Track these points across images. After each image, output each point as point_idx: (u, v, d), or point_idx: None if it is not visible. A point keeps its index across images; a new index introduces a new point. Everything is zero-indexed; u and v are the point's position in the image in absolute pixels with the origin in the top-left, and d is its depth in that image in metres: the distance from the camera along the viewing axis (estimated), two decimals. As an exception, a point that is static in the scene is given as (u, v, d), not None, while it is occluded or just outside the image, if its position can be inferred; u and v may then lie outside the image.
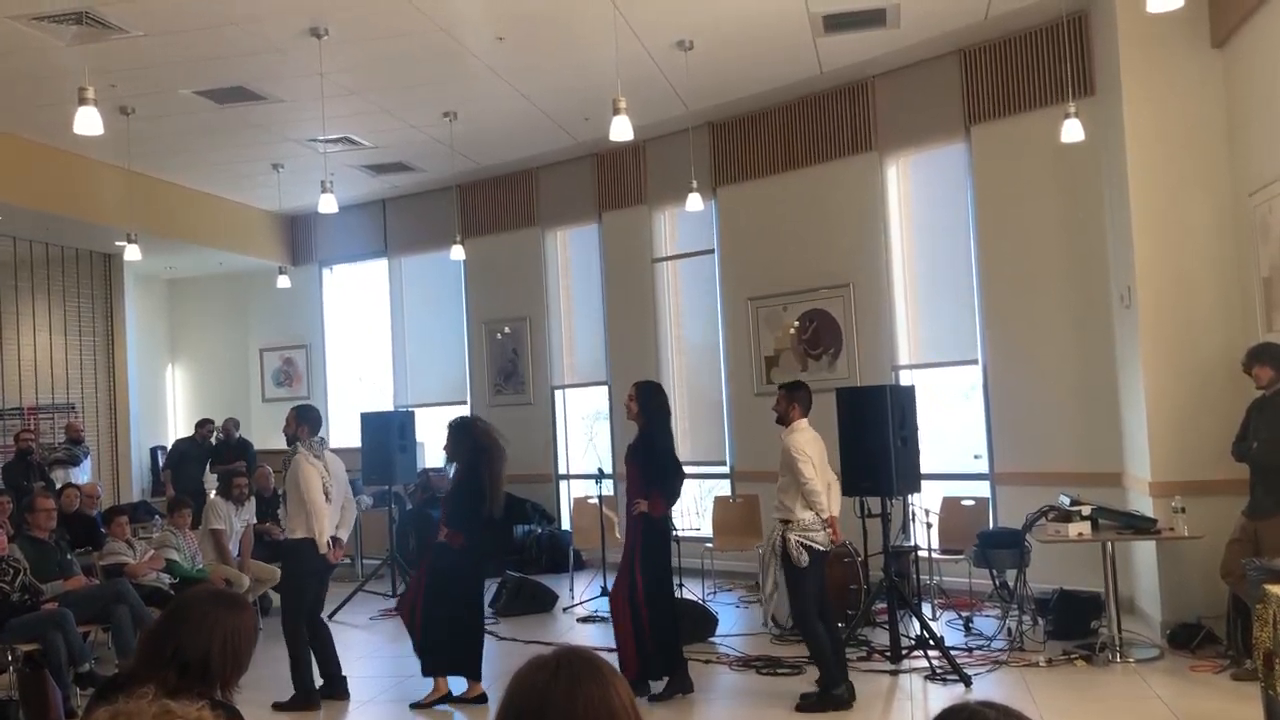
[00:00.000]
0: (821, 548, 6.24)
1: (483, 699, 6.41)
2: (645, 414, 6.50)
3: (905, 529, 8.02)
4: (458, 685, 6.52)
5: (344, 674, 6.71)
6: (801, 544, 6.14)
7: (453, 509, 6.51)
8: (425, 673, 6.51)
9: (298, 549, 6.63)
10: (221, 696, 2.54)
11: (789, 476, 6.27)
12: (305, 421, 6.80)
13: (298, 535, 6.61)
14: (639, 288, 11.17)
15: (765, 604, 6.37)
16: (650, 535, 6.37)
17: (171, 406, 14.65)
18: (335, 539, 6.71)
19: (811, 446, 6.29)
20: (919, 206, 9.51)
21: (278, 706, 6.48)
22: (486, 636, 7.80)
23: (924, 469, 7.15)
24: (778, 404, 6.54)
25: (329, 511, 6.62)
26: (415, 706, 6.43)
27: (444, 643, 6.42)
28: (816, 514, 6.20)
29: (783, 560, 6.22)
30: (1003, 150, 8.68)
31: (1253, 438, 6.21)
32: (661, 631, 6.31)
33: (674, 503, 6.61)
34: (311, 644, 6.62)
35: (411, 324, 13.20)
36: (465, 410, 12.27)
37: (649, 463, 6.45)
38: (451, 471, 6.82)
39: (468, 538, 6.43)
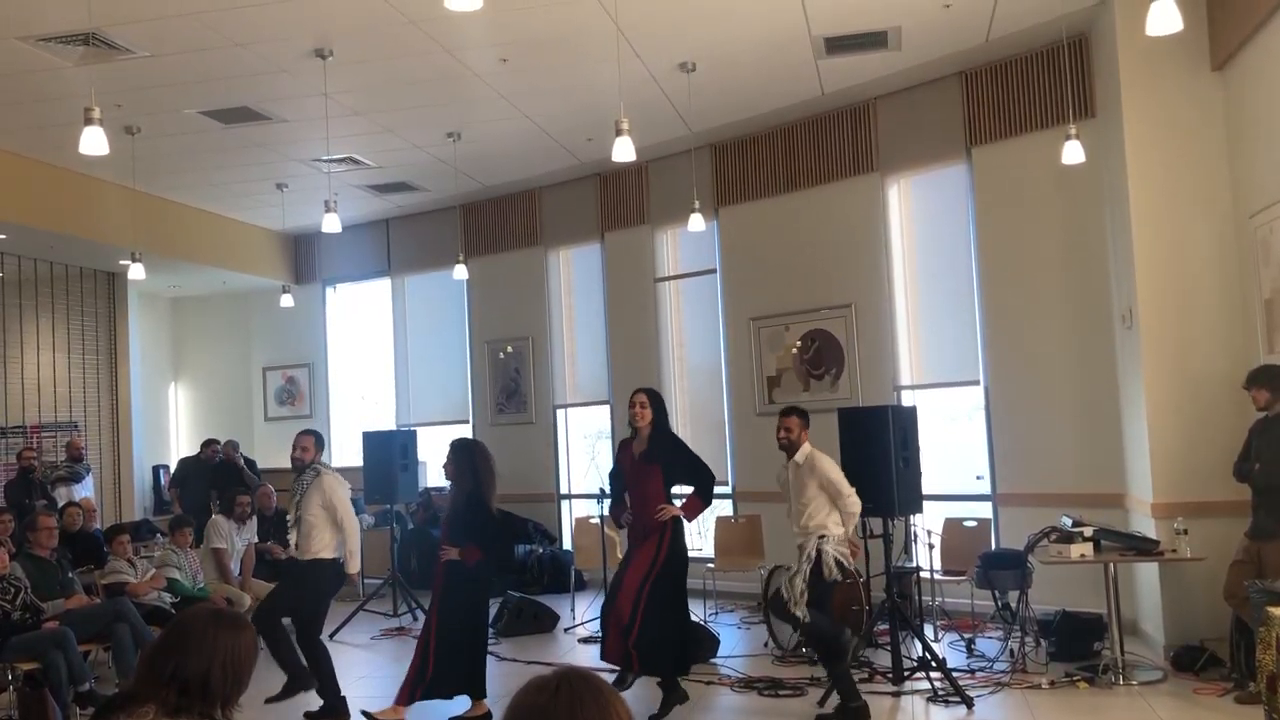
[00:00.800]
0: (850, 566, 6.32)
1: (487, 718, 6.39)
2: (662, 420, 6.56)
3: (907, 550, 8.01)
4: (460, 705, 6.49)
5: (343, 694, 6.69)
6: (838, 559, 6.20)
7: (466, 526, 6.47)
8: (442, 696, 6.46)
9: (324, 569, 6.69)
10: (221, 716, 2.54)
11: (820, 497, 6.30)
12: (321, 448, 6.99)
13: (325, 556, 6.68)
14: (641, 307, 11.19)
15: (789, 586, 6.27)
16: (679, 539, 6.38)
17: (174, 425, 14.66)
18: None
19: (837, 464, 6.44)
20: (920, 227, 9.54)
21: (311, 716, 6.57)
22: (489, 657, 7.80)
23: (926, 490, 7.15)
24: (790, 430, 6.46)
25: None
26: None
27: (457, 663, 6.40)
28: (846, 533, 6.29)
29: (813, 575, 6.19)
30: (1004, 171, 8.71)
31: (1254, 459, 6.21)
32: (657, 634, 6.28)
33: (707, 507, 6.67)
34: (310, 665, 6.65)
35: (414, 343, 13.22)
36: (467, 429, 12.31)
37: (681, 466, 6.48)
38: (449, 490, 6.82)
39: (484, 553, 6.44)
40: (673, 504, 6.42)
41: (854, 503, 6.30)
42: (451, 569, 6.44)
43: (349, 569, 6.79)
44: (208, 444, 12.09)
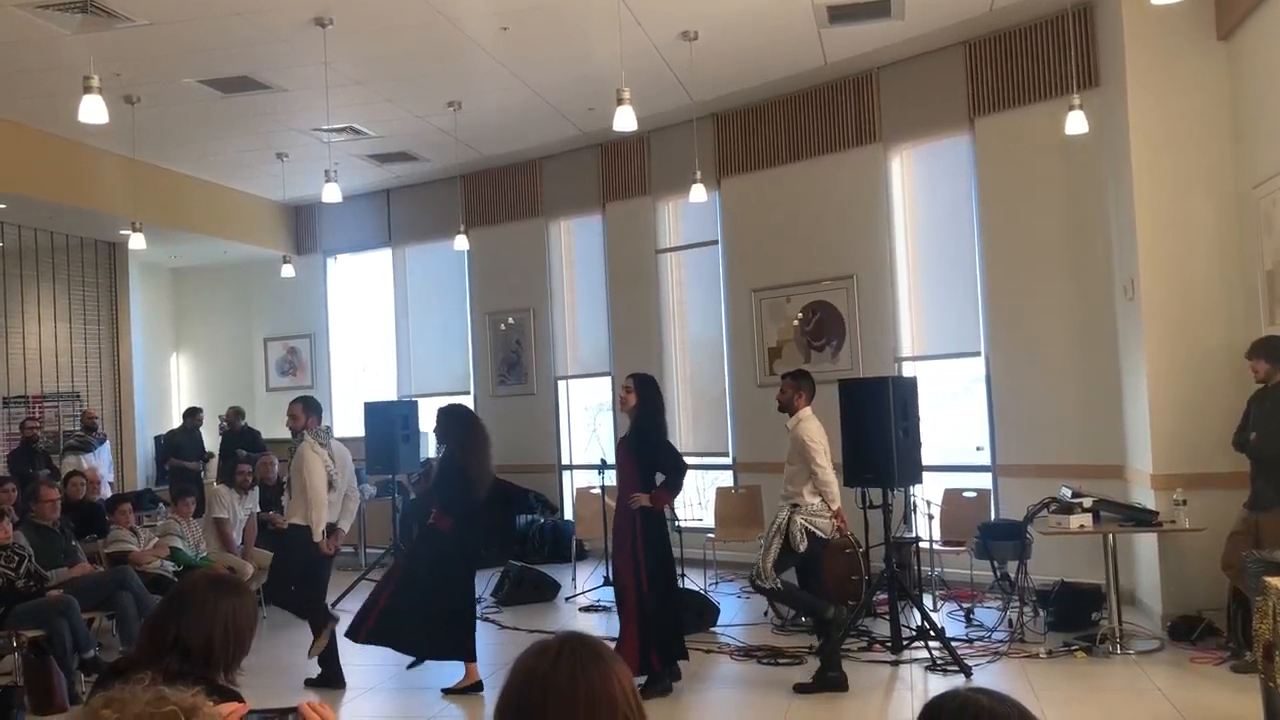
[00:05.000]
0: (823, 535, 6.32)
1: (479, 687, 6.43)
2: (644, 406, 6.44)
3: (907, 520, 8.04)
4: (454, 675, 6.54)
5: (340, 663, 6.74)
6: (805, 528, 6.20)
7: (442, 493, 6.55)
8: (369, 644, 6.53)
9: (296, 535, 6.73)
10: (224, 681, 2.56)
11: (799, 465, 6.31)
12: (313, 413, 6.91)
13: (296, 521, 6.72)
14: (642, 279, 11.18)
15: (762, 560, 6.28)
16: (650, 527, 6.35)
17: (176, 395, 14.68)
18: (333, 527, 6.80)
19: (821, 436, 6.37)
20: (923, 199, 9.50)
21: (310, 683, 6.63)
22: (489, 625, 7.85)
23: (926, 461, 7.17)
24: (783, 392, 6.56)
25: (331, 501, 6.71)
26: (447, 692, 6.43)
27: (416, 628, 6.43)
28: (826, 504, 6.26)
29: (785, 546, 6.25)
30: (1006, 142, 8.67)
31: (1251, 429, 6.23)
32: (665, 625, 6.31)
33: (676, 497, 6.64)
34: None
35: (415, 314, 13.21)
36: (469, 400, 12.33)
37: (650, 456, 6.41)
38: (436, 456, 6.85)
39: (455, 522, 6.46)
40: (644, 492, 6.32)
41: (825, 476, 6.25)
42: (428, 534, 6.55)
43: (314, 537, 6.70)
44: (191, 413, 12.15)
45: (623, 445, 6.56)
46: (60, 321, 12.21)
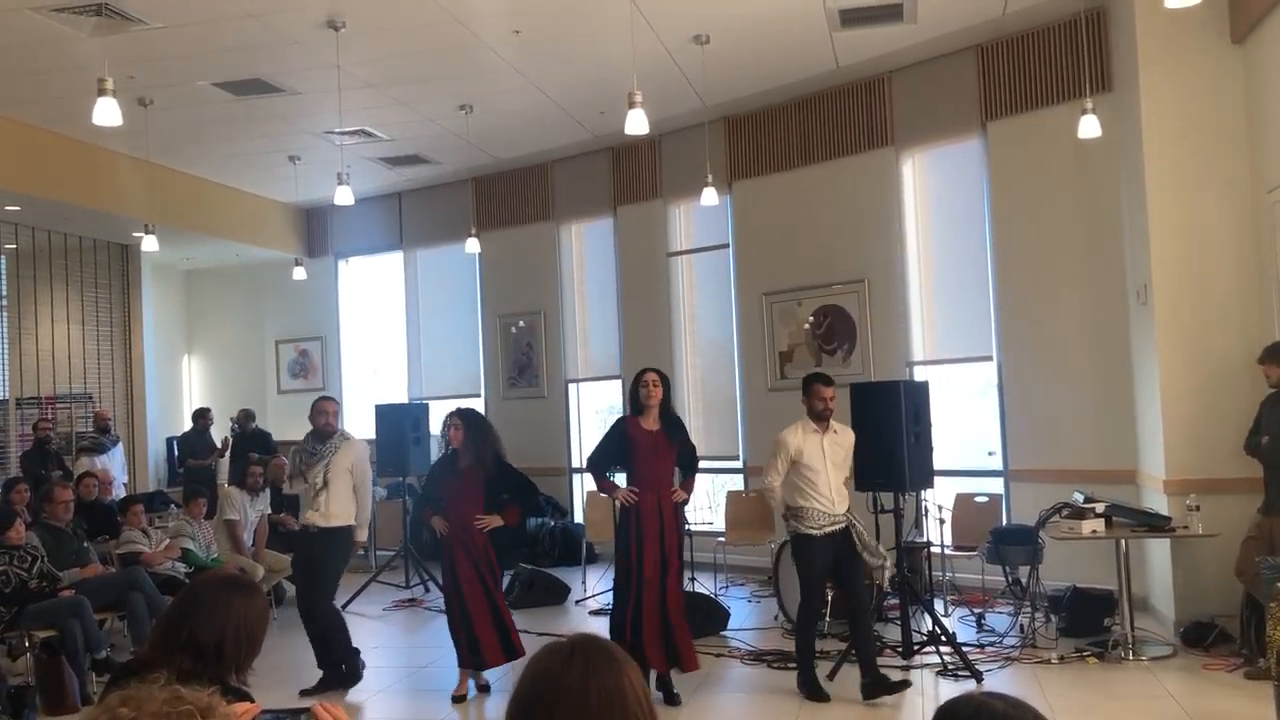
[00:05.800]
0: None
1: (485, 688, 6.46)
2: (668, 400, 6.49)
3: (918, 525, 8.01)
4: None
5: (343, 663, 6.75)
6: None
7: (497, 490, 6.50)
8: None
9: (347, 535, 6.76)
10: (235, 681, 2.56)
11: (843, 473, 6.25)
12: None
13: (344, 523, 6.71)
14: (654, 282, 11.17)
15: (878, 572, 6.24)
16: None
17: (188, 397, 14.72)
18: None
19: None
20: (935, 202, 9.48)
21: (314, 689, 6.60)
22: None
23: (937, 465, 7.14)
24: (832, 399, 6.17)
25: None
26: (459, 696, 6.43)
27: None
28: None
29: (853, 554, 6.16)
30: (1019, 146, 8.65)
31: (1263, 433, 6.20)
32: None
33: None
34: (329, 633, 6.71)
35: (426, 317, 13.24)
36: (480, 403, 12.33)
37: (686, 445, 6.53)
38: (458, 459, 6.66)
39: (522, 508, 6.62)
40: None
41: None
42: (496, 535, 6.48)
43: (357, 537, 6.83)
44: (201, 414, 12.21)
45: (662, 438, 6.39)
46: (73, 323, 12.26)
